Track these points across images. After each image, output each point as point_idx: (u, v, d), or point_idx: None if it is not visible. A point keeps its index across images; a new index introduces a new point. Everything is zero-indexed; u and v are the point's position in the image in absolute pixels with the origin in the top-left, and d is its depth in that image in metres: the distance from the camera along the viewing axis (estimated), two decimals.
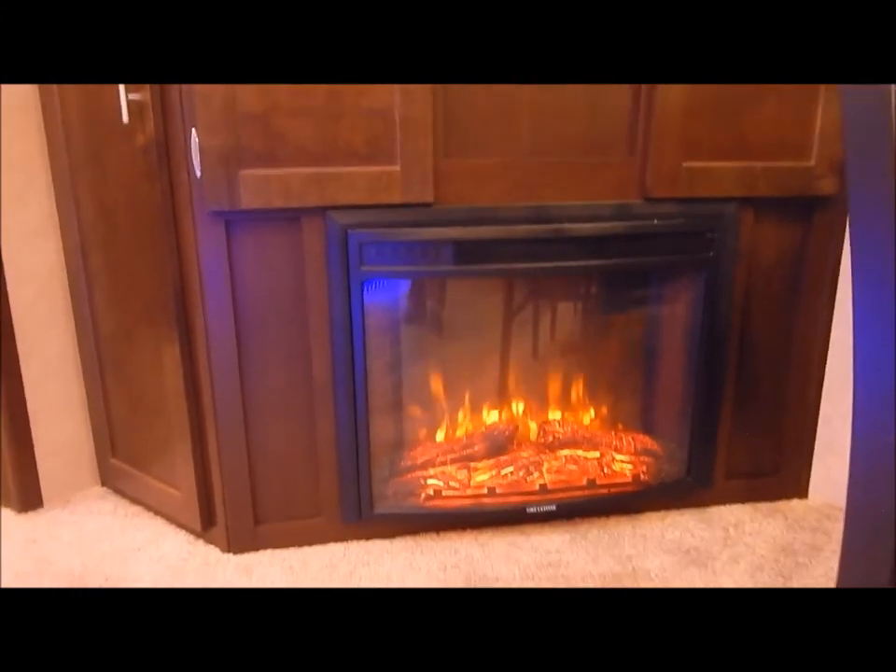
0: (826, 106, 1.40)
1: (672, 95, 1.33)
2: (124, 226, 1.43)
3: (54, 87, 1.47)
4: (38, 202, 1.59)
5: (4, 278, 1.57)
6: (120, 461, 1.71)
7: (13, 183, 1.55)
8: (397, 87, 1.23)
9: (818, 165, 1.43)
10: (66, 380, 1.71)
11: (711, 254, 1.43)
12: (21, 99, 1.51)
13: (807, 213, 1.49)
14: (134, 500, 1.71)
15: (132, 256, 1.45)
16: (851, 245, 0.70)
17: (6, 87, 1.50)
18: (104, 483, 1.80)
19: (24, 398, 1.65)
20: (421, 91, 1.24)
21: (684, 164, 1.37)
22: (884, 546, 0.74)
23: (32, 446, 1.69)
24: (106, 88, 1.33)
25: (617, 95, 1.34)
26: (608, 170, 1.37)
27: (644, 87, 1.34)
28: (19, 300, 1.59)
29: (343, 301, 1.33)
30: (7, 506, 1.72)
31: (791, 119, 1.40)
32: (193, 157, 1.22)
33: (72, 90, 1.43)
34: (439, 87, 1.26)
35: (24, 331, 1.61)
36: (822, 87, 1.40)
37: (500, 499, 1.50)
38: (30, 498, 1.71)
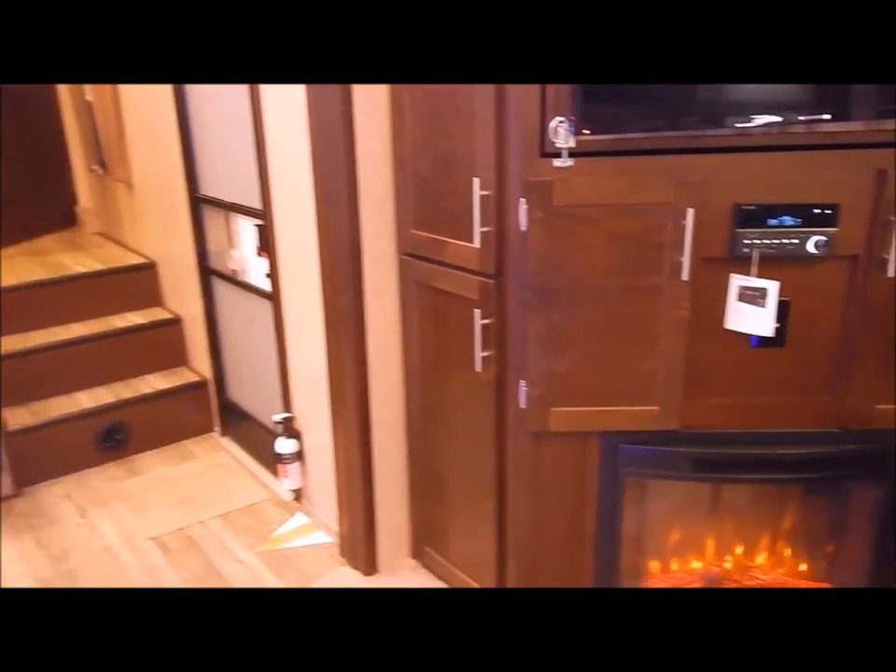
0: None
1: (867, 347, 1.76)
2: (460, 406, 2.12)
3: (414, 296, 2.16)
4: (391, 367, 2.32)
5: (370, 429, 2.32)
6: (434, 551, 2.43)
7: (379, 369, 2.29)
8: (659, 356, 1.78)
9: None
10: (400, 493, 2.46)
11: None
12: (387, 312, 2.24)
13: None
14: (439, 577, 2.44)
15: (461, 422, 2.13)
16: None
17: (378, 298, 2.21)
18: (414, 557, 2.55)
19: (374, 501, 2.41)
20: (674, 355, 1.78)
21: (877, 406, 1.81)
22: None
23: (375, 530, 2.46)
24: (460, 329, 2.01)
25: (823, 350, 1.80)
26: (814, 407, 1.83)
27: (847, 347, 1.78)
28: (377, 436, 2.35)
29: (609, 487, 1.92)
30: (356, 568, 2.51)
31: None
32: (520, 395, 1.86)
33: (428, 307, 2.13)
34: (690, 352, 1.80)
35: (379, 454, 2.37)
36: None
37: None
38: (371, 565, 2.48)
